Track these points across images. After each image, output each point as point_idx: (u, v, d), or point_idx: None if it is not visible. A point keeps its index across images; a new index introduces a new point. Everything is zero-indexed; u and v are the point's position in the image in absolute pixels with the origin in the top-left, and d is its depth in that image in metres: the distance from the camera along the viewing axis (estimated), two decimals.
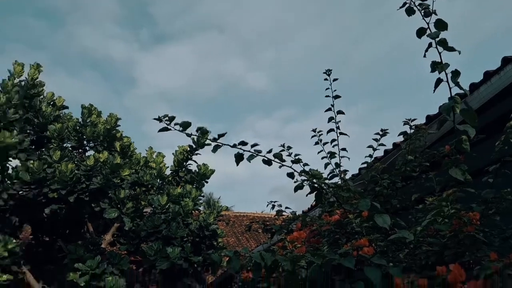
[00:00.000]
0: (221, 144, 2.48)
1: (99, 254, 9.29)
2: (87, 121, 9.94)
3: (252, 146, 2.56)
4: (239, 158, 2.56)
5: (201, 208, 10.70)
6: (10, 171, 9.15)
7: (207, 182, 10.96)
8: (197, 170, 10.89)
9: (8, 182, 8.94)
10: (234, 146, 2.53)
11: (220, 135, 2.44)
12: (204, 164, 10.85)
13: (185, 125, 2.34)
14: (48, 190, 8.86)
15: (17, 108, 9.22)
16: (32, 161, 8.83)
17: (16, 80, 9.54)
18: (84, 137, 9.96)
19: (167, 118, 2.31)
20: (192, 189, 10.15)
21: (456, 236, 2.31)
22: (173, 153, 11.02)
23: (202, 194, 10.74)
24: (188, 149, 10.72)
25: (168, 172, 10.84)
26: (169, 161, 10.96)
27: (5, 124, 8.96)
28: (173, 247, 9.27)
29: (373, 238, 2.50)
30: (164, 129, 2.34)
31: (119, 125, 10.25)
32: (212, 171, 10.90)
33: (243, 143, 2.53)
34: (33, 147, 9.71)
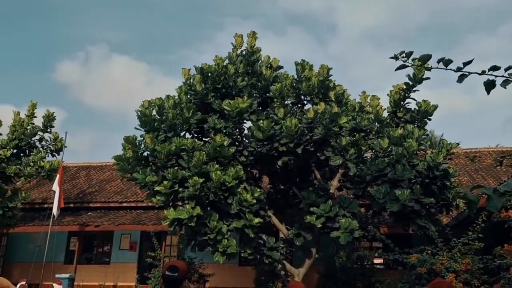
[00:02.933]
0: (467, 73, 2.19)
1: (329, 199, 9.94)
2: (302, 76, 10.45)
3: (506, 69, 2.18)
4: (490, 85, 2.22)
5: (426, 147, 10.06)
6: (246, 131, 10.57)
7: (430, 120, 10.21)
8: (417, 108, 10.22)
9: (246, 141, 10.35)
10: (483, 73, 2.20)
11: (466, 63, 2.15)
12: (424, 101, 10.08)
13: (424, 59, 2.15)
14: (278, 145, 9.86)
15: (243, 76, 10.46)
16: (261, 121, 9.93)
17: (238, 51, 10.79)
18: (301, 92, 10.56)
19: (403, 54, 2.17)
20: (414, 129, 9.63)
21: None
22: (388, 94, 10.62)
23: (426, 133, 10.08)
24: (405, 87, 10.13)
25: (385, 114, 10.55)
26: (384, 103, 10.64)
27: (236, 92, 10.33)
28: (401, 189, 9.11)
29: None
30: (402, 67, 2.21)
31: (331, 75, 10.43)
32: (435, 107, 10.03)
33: (495, 68, 2.18)
34: (260, 108, 10.90)
